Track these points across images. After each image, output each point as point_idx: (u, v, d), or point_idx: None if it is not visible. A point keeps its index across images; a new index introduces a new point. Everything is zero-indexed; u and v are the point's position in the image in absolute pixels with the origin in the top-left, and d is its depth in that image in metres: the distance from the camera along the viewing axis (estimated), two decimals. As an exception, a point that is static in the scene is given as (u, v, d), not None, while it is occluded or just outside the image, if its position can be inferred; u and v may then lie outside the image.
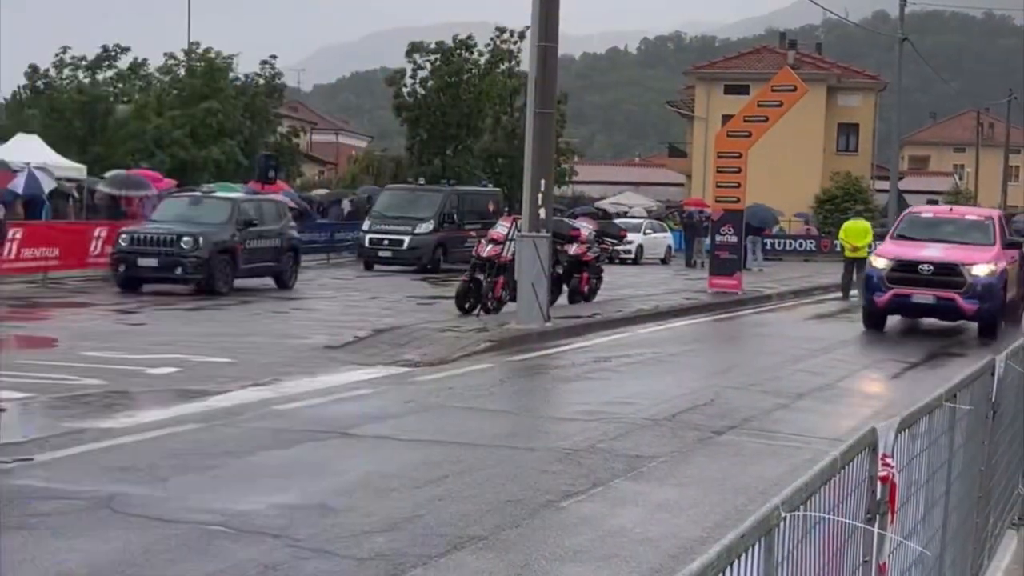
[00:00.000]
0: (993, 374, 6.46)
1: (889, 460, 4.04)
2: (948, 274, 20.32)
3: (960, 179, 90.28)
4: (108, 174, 33.14)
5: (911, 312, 21.55)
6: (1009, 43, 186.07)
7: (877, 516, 3.99)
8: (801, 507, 3.19)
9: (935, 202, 65.54)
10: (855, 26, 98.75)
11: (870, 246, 29.88)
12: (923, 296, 20.45)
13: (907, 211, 24.42)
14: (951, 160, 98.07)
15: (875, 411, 12.60)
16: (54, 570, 6.57)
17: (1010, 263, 21.69)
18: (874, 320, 21.52)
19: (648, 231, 47.02)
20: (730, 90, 64.96)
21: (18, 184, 29.02)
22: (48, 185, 29.91)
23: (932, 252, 20.79)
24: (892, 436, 4.16)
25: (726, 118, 41.27)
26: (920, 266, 20.46)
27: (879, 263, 20.98)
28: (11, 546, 6.96)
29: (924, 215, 23.63)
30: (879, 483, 3.98)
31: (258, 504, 8.03)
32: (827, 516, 3.42)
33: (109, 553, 6.88)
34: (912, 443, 4.54)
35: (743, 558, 2.76)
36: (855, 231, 30.60)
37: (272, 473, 9.00)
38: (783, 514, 3.02)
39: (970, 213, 24.50)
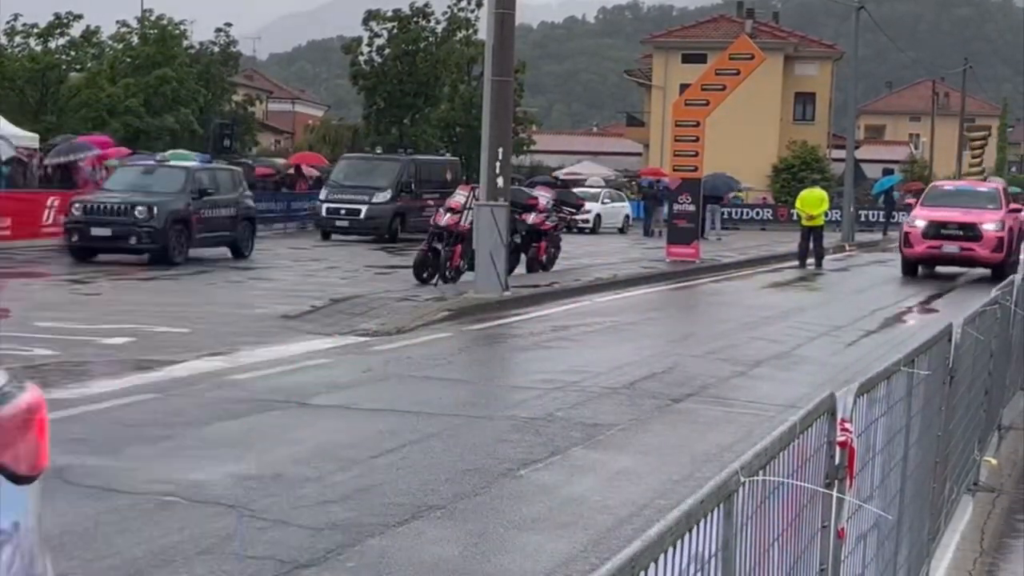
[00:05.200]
0: (950, 340, 6.48)
1: (848, 425, 4.03)
2: (969, 230, 27.12)
3: (916, 148, 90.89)
4: (56, 144, 32.72)
5: (941, 259, 27.92)
6: (964, 13, 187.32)
7: (836, 481, 3.98)
8: (760, 472, 3.16)
9: (890, 172, 65.91)
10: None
11: (826, 214, 31.49)
12: (951, 246, 27.22)
13: (932, 185, 32.94)
14: (907, 129, 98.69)
15: (830, 377, 12.65)
16: (5, 542, 6.47)
17: (1013, 223, 28.15)
18: (909, 265, 28.29)
19: (606, 200, 47.04)
20: (688, 59, 64.92)
21: None
22: (6, 153, 29.62)
23: (955, 214, 27.54)
24: (851, 401, 4.15)
25: (684, 87, 41.24)
26: (947, 225, 27.36)
27: (917, 223, 27.68)
28: (-39, 518, 6.85)
29: (946, 187, 31.49)
30: (838, 448, 3.97)
31: (214, 474, 7.96)
32: (786, 481, 3.40)
33: (61, 524, 6.79)
34: (870, 408, 4.53)
35: (702, 523, 2.73)
36: (811, 200, 30.82)
37: (228, 443, 8.93)
38: (742, 479, 2.99)
39: (980, 185, 33.45)
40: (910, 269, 28.20)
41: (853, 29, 48.16)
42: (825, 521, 3.94)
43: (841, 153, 52.79)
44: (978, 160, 70.20)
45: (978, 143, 71.52)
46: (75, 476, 7.76)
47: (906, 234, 27.82)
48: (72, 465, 8.02)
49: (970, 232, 27.10)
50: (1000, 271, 25.29)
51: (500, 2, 19.39)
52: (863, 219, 52.49)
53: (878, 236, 48.31)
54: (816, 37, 75.92)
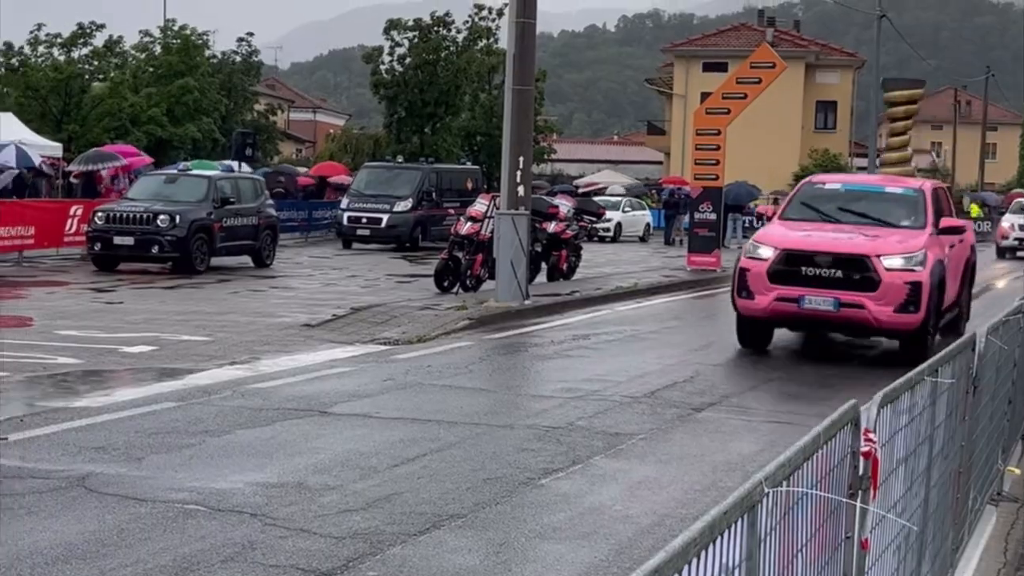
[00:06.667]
0: (974, 349, 6.45)
1: (871, 435, 4.01)
2: (855, 269, 14.51)
3: (938, 157, 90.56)
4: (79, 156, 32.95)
5: (803, 322, 15.35)
6: (986, 21, 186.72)
7: (859, 491, 3.96)
8: (784, 483, 3.15)
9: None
10: (833, 3, 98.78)
11: None
12: (819, 299, 14.50)
13: (805, 180, 17.69)
14: (929, 137, 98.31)
15: (854, 388, 12.59)
16: (28, 549, 6.49)
17: (950, 254, 15.94)
18: (752, 333, 15.60)
19: (627, 209, 47.01)
20: (708, 67, 64.92)
21: (8, 159, 28.93)
22: (35, 159, 29.96)
23: (834, 237, 15.05)
24: (875, 411, 4.13)
25: (705, 95, 41.24)
26: (816, 257, 14.67)
27: (760, 252, 15.08)
28: (-16, 526, 6.88)
29: (828, 186, 17.04)
30: (861, 458, 3.95)
31: (235, 483, 7.97)
32: (810, 491, 3.38)
33: (83, 532, 6.81)
34: (894, 418, 4.51)
35: (726, 534, 2.72)
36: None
37: (250, 452, 8.94)
38: (766, 490, 2.98)
39: (893, 183, 17.52)
40: (752, 337, 15.72)
41: (875, 37, 48.06)
42: (849, 532, 3.92)
43: (863, 161, 52.70)
44: (900, 143, 41.30)
45: (900, 117, 41.30)
46: (97, 484, 7.79)
47: (741, 272, 15.21)
48: (94, 473, 8.05)
49: (855, 271, 14.56)
50: (917, 342, 14.65)
51: (521, 11, 19.41)
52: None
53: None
54: (837, 45, 75.84)
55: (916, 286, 14.41)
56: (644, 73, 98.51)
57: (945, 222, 16.05)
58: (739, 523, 2.81)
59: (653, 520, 7.61)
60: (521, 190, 19.29)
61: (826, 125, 68.82)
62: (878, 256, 14.50)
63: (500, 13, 50.42)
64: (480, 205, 21.10)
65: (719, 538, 2.67)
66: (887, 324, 14.53)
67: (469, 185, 36.48)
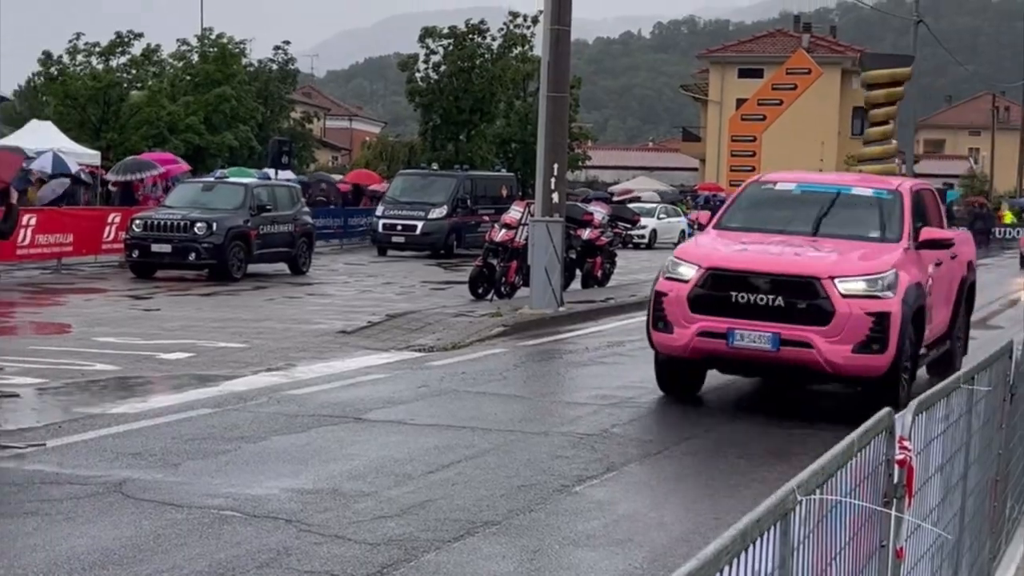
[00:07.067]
0: (1011, 357, 6.40)
1: (906, 443, 3.99)
2: (801, 294, 11.00)
3: (976, 163, 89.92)
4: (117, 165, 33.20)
5: (733, 363, 11.71)
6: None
7: (894, 500, 3.93)
8: (817, 491, 3.13)
9: (950, 186, 63.75)
10: (870, 9, 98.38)
11: None
12: (753, 335, 11.04)
13: (752, 179, 14.10)
14: (967, 144, 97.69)
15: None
16: (65, 555, 6.55)
17: (936, 273, 12.49)
18: (673, 376, 12.26)
19: (662, 216, 46.94)
20: (744, 74, 64.77)
21: (45, 165, 29.21)
22: (73, 167, 30.23)
23: (777, 253, 11.47)
24: (910, 419, 4.11)
25: (740, 102, 41.18)
26: (751, 279, 11.17)
27: (680, 271, 11.55)
28: (23, 531, 6.95)
29: (780, 186, 13.15)
30: (896, 466, 3.93)
31: (271, 489, 8.01)
32: (844, 500, 3.37)
33: (120, 538, 6.86)
34: (930, 426, 4.48)
35: (759, 542, 2.71)
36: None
37: (285, 458, 8.98)
38: (799, 498, 2.97)
39: (864, 183, 13.45)
40: (672, 381, 12.37)
41: (912, 43, 47.80)
42: (884, 540, 3.90)
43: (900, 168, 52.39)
44: (882, 134, 33.57)
45: (881, 102, 32.97)
46: (134, 490, 7.84)
47: (656, 297, 11.89)
48: (131, 479, 8.11)
49: (801, 298, 11.11)
50: (886, 388, 11.13)
51: (555, 18, 19.42)
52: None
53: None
54: (875, 51, 75.40)
55: (882, 318, 10.91)
56: (679, 79, 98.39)
57: (927, 233, 12.25)
58: (772, 531, 2.81)
59: (687, 527, 7.59)
60: (556, 197, 19.30)
61: (863, 131, 68.42)
62: (832, 278, 10.97)
63: (535, 20, 50.44)
64: (515, 212, 21.12)
65: (751, 546, 2.66)
66: (844, 369, 11.04)
67: (504, 192, 36.51)
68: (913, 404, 4.26)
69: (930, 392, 4.56)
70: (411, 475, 8.56)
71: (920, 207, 12.91)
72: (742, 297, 11.12)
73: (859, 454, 3.54)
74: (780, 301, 11.00)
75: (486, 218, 33.11)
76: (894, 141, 33.19)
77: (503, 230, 20.88)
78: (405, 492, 8.09)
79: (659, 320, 11.68)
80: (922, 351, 12.20)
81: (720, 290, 11.24)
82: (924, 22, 48.27)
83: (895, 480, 3.94)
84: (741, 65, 66.87)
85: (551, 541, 7.18)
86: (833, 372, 11.17)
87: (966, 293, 14.20)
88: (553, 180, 19.27)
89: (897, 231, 12.13)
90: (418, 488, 8.21)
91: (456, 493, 8.11)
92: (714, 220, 12.90)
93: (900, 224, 12.19)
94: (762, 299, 11.05)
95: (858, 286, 11.05)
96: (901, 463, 3.94)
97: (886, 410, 3.94)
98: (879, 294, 11.05)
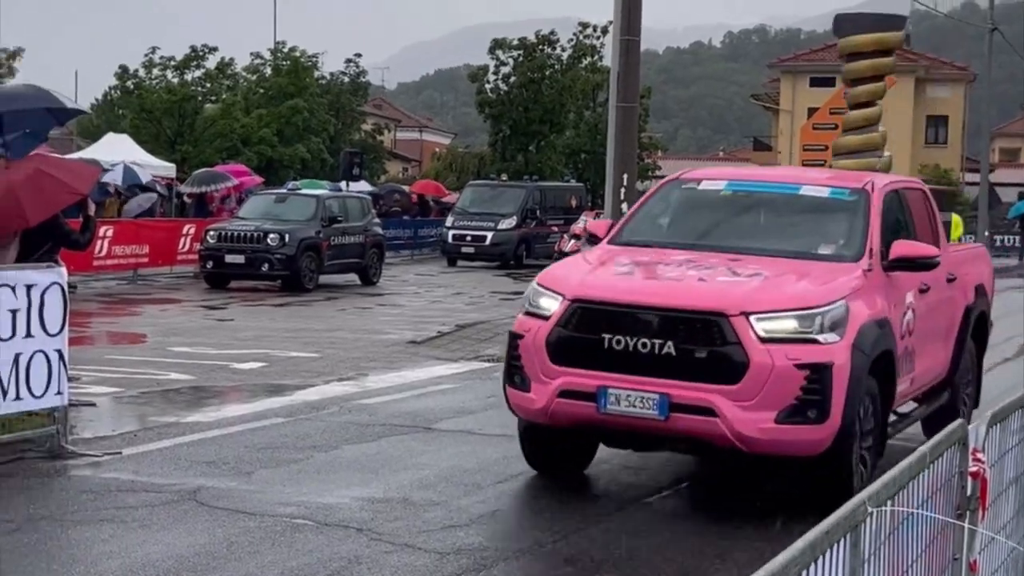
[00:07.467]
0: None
1: (980, 455, 3.94)
2: (698, 337, 7.77)
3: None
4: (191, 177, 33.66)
5: (612, 434, 8.40)
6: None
7: (967, 512, 3.89)
8: (888, 502, 3.11)
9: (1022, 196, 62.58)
10: (944, 17, 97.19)
11: (960, 239, 27.16)
12: (633, 396, 7.77)
13: (670, 178, 10.31)
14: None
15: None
16: (140, 562, 6.65)
17: (920, 302, 9.19)
18: (537, 446, 8.94)
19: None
20: (816, 83, 64.16)
21: (116, 177, 29.69)
22: (145, 179, 30.71)
23: (674, 278, 8.28)
24: (983, 431, 4.06)
25: (812, 111, 40.77)
26: (635, 314, 7.91)
27: (541, 303, 8.28)
28: (99, 537, 7.07)
29: (705, 186, 9.80)
30: (969, 479, 3.89)
31: (342, 498, 8.07)
32: (915, 512, 3.34)
33: (194, 545, 6.96)
34: (1004, 438, 4.43)
35: (828, 554, 2.70)
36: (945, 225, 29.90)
37: (355, 467, 9.04)
38: (870, 509, 2.96)
39: (815, 181, 9.88)
40: (537, 452, 8.94)
41: (986, 51, 47.17)
42: (957, 553, 3.86)
43: (975, 177, 51.73)
44: (864, 118, 23.22)
45: (865, 76, 22.94)
46: (208, 498, 7.94)
47: (511, 340, 8.44)
48: (205, 487, 8.21)
49: (699, 342, 7.72)
50: (826, 474, 7.92)
51: (626, 29, 19.40)
52: (998, 244, 51.23)
53: (1014, 261, 47.09)
54: (948, 59, 74.49)
55: (820, 372, 7.61)
56: (750, 89, 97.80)
57: (900, 249, 8.78)
58: (841, 543, 2.79)
59: (763, 537, 7.53)
60: (625, 207, 19.25)
61: (936, 140, 67.66)
62: (745, 314, 7.65)
63: (604, 31, 50.38)
64: (583, 222, 21.12)
65: (820, 557, 2.65)
66: (763, 445, 7.66)
67: (573, 203, 36.53)
68: (987, 416, 4.21)
69: (1004, 404, 4.50)
70: (480, 485, 8.59)
71: (896, 213, 9.46)
72: (618, 342, 7.79)
73: (931, 466, 3.51)
74: (670, 348, 7.67)
75: (555, 229, 33.16)
76: (881, 127, 23.58)
77: (572, 240, 20.90)
78: (475, 502, 8.12)
79: (514, 373, 8.34)
80: (901, 410, 9.60)
81: (589, 331, 7.93)
82: (999, 30, 47.59)
83: (968, 492, 3.89)
84: (813, 74, 66.28)
85: (622, 553, 7.17)
86: (748, 450, 7.68)
87: (972, 326, 10.63)
88: (623, 190, 19.23)
89: (857, 246, 8.69)
90: (487, 498, 8.23)
91: (525, 503, 8.12)
92: (612, 231, 9.44)
93: (862, 236, 8.76)
94: (646, 344, 7.71)
95: (785, 325, 7.70)
96: (975, 475, 3.90)
97: (959, 422, 3.90)
98: (816, 336, 7.70)
